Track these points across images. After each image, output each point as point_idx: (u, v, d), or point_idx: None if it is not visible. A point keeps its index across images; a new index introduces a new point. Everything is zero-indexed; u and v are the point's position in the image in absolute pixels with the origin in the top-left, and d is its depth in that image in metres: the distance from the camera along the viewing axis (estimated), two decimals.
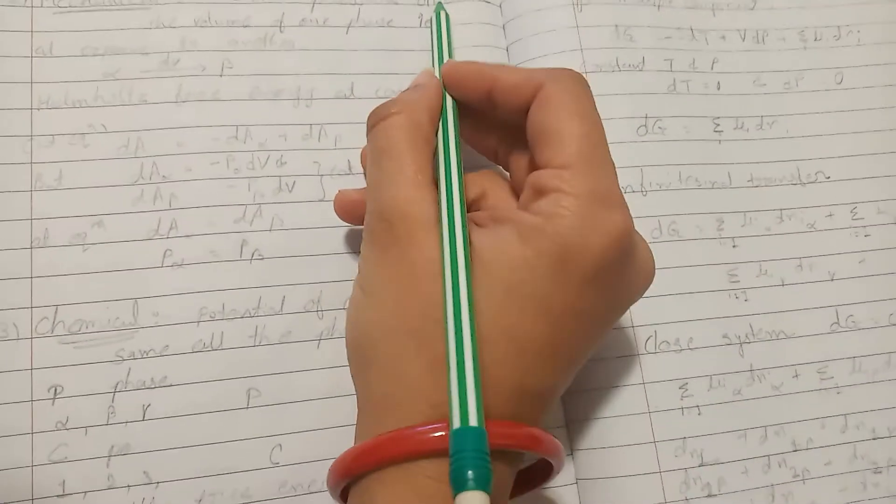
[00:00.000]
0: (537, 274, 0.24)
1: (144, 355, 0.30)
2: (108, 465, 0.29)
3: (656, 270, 0.28)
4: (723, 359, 0.33)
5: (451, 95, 0.29)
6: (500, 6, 0.37)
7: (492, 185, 0.30)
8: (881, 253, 0.36)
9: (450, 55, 0.32)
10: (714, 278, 0.34)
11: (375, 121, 0.28)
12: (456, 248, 0.24)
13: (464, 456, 0.21)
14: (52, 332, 0.30)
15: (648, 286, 0.27)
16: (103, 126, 0.32)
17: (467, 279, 0.23)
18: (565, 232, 0.24)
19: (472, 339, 0.23)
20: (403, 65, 0.35)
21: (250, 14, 0.35)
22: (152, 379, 0.30)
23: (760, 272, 0.35)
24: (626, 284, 0.26)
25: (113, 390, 0.30)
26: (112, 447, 0.29)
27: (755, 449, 0.32)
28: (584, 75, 0.35)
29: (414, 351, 0.24)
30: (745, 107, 0.38)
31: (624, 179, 0.29)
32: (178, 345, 0.30)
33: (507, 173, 0.31)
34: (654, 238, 0.34)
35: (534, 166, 0.26)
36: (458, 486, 0.20)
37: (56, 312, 0.30)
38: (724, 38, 0.39)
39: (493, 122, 0.29)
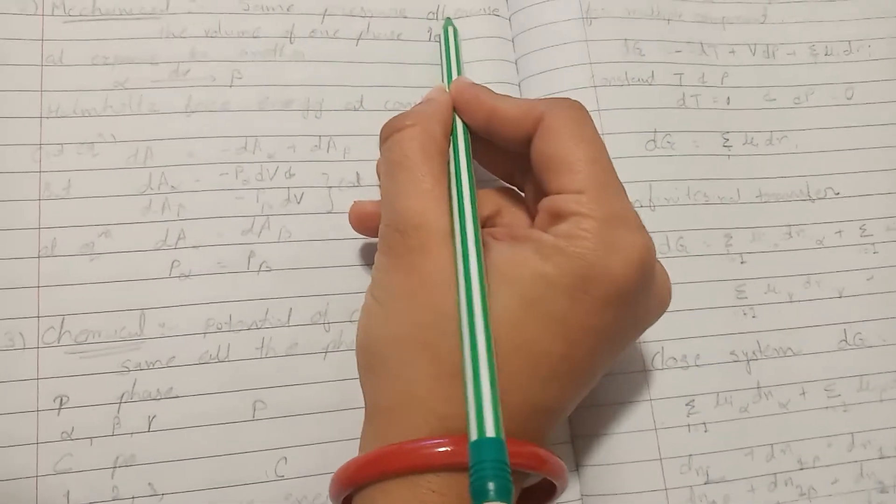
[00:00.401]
0: (557, 291, 0.24)
1: (151, 366, 0.30)
2: (112, 477, 0.29)
3: None
4: (730, 375, 0.33)
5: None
6: (510, 20, 0.37)
7: (507, 203, 0.30)
8: (890, 270, 0.36)
9: (458, 70, 0.32)
10: (722, 294, 0.34)
11: (389, 133, 0.28)
12: (469, 258, 0.24)
13: (484, 467, 0.21)
14: (59, 341, 0.30)
15: (664, 311, 0.28)
16: (112, 136, 0.32)
17: (481, 288, 0.23)
18: (588, 253, 0.24)
19: (489, 348, 0.23)
20: (412, 77, 0.35)
21: (260, 25, 0.35)
22: (158, 390, 0.30)
23: (768, 288, 0.35)
24: (644, 307, 0.26)
25: (119, 401, 0.30)
26: (117, 458, 0.29)
27: (761, 467, 0.32)
28: (594, 89, 0.36)
29: (423, 361, 0.24)
30: (755, 122, 0.37)
31: (632, 194, 0.29)
32: (184, 356, 0.30)
33: (523, 193, 0.31)
34: (661, 253, 0.34)
35: (545, 192, 0.26)
36: (479, 497, 0.20)
37: (63, 322, 0.30)
38: (733, 52, 0.39)
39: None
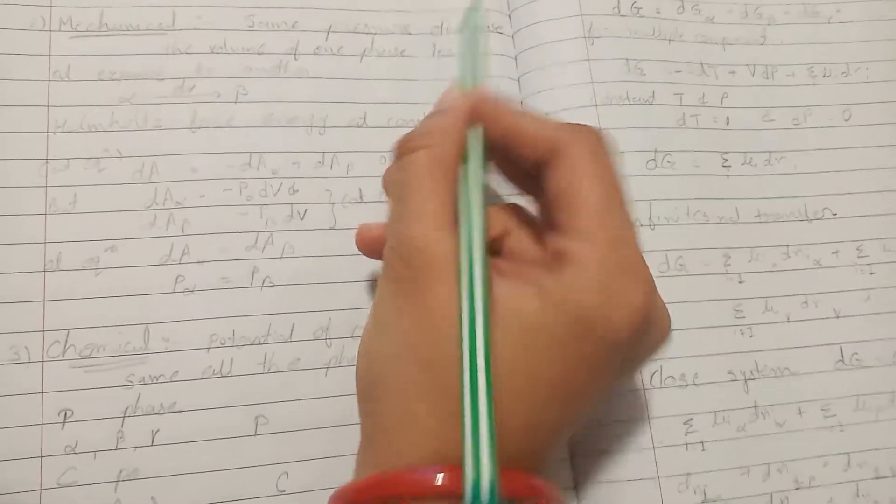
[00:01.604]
0: (554, 340, 0.24)
1: (154, 381, 0.30)
2: (115, 490, 0.29)
3: None
4: (728, 395, 0.33)
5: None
6: (513, 37, 0.38)
7: (515, 225, 0.29)
8: (886, 291, 0.36)
9: (480, 70, 0.30)
10: (720, 314, 0.35)
11: (402, 152, 0.27)
12: (474, 288, 0.24)
13: None
14: (64, 355, 0.30)
15: (664, 343, 0.27)
16: (118, 151, 0.33)
17: (485, 319, 0.23)
18: (587, 305, 0.24)
19: (488, 387, 0.23)
20: (416, 94, 0.36)
21: (265, 42, 0.35)
22: (161, 404, 0.30)
23: (766, 308, 0.35)
24: (643, 345, 0.26)
25: (122, 415, 0.30)
26: (120, 472, 0.29)
27: (758, 486, 0.33)
28: (595, 108, 0.36)
29: (422, 389, 0.24)
30: (754, 142, 0.38)
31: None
32: (187, 371, 0.31)
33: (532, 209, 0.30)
34: (661, 272, 0.34)
35: (555, 222, 0.26)
36: None
37: (68, 336, 0.30)
38: (733, 72, 0.39)
39: None
